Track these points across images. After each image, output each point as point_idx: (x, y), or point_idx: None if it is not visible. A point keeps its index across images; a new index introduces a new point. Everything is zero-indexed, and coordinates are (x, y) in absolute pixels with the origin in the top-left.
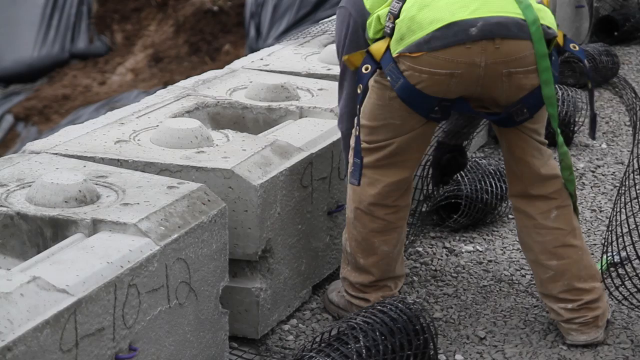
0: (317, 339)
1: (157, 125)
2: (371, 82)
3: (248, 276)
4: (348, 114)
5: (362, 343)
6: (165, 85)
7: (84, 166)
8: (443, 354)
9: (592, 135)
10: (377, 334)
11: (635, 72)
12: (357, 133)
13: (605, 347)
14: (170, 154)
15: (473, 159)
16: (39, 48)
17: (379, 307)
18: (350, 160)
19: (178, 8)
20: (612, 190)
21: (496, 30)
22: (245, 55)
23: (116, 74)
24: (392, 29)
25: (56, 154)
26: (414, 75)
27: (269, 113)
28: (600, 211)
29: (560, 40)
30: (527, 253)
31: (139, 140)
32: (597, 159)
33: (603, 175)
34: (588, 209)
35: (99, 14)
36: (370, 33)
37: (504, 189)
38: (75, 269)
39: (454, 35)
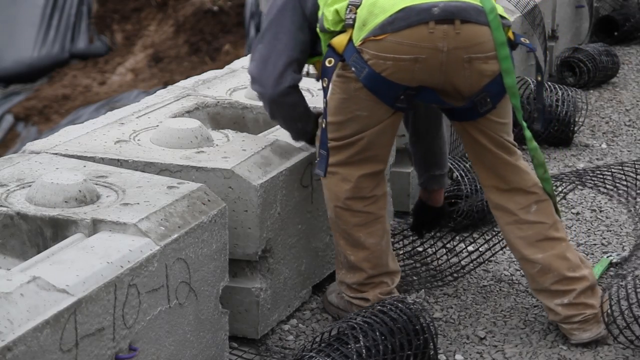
0: (317, 339)
1: (157, 125)
2: (333, 78)
3: (248, 276)
4: (274, 58)
5: (362, 343)
6: (165, 85)
7: (84, 166)
8: (443, 354)
9: (540, 126)
10: (377, 334)
11: (635, 72)
12: (323, 125)
13: (605, 347)
14: (170, 154)
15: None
16: (39, 48)
17: (379, 307)
18: (317, 152)
19: (178, 8)
20: (612, 190)
21: (457, 13)
22: (245, 55)
23: (116, 74)
24: (354, 20)
25: (56, 154)
26: (378, 63)
27: None
28: (600, 211)
29: (510, 34)
30: (513, 252)
31: (139, 140)
32: (597, 159)
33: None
34: (588, 209)
35: (99, 14)
36: (328, 24)
37: None
38: (75, 269)
39: (417, 14)
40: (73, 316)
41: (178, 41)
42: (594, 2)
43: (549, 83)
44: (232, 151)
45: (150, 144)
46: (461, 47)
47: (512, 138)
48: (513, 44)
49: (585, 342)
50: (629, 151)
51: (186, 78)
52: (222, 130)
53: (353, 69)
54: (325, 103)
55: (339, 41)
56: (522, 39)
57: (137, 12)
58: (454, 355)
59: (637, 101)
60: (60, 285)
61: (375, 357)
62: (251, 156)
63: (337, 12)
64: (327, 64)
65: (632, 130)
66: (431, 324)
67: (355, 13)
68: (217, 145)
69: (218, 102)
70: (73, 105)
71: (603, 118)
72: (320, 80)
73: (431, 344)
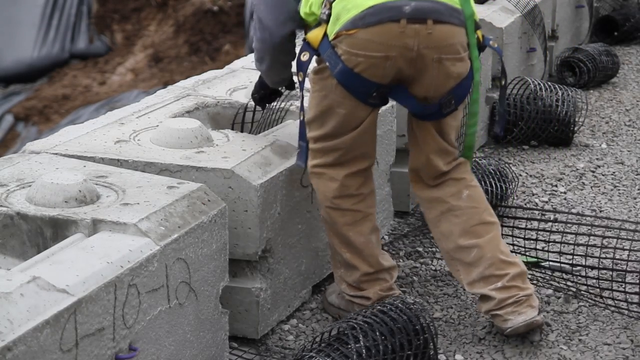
0: (317, 339)
1: (157, 125)
2: (311, 75)
3: (248, 276)
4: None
5: (362, 343)
6: (165, 85)
7: (84, 166)
8: (443, 354)
9: (499, 130)
10: (377, 334)
11: (635, 72)
12: (301, 117)
13: (605, 347)
14: (170, 154)
15: (473, 159)
16: (39, 48)
17: (379, 307)
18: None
19: (178, 8)
20: (612, 190)
21: (428, 12)
22: (245, 55)
23: (116, 74)
24: (329, 15)
25: (56, 154)
26: (350, 58)
27: (269, 113)
28: (600, 211)
29: (480, 36)
30: (447, 243)
31: (139, 140)
32: (597, 159)
33: (603, 175)
34: (588, 209)
35: (99, 14)
36: (301, 11)
37: (504, 189)
38: (75, 269)
39: (388, 11)
40: (73, 316)
41: (178, 41)
42: (594, 2)
43: (549, 83)
44: (232, 151)
45: (150, 144)
46: (432, 47)
47: (455, 139)
48: (481, 46)
49: (522, 332)
50: (629, 151)
51: (186, 78)
52: (222, 130)
53: (327, 64)
54: (302, 97)
55: (314, 36)
56: (490, 42)
57: (137, 12)
58: (454, 355)
59: (637, 101)
60: (60, 285)
61: (375, 357)
62: (251, 156)
63: (310, 6)
64: (301, 57)
65: (632, 130)
66: (431, 324)
67: (330, 8)
68: (217, 145)
69: (218, 102)
70: (73, 105)
71: (603, 118)
72: (296, 75)
73: (431, 344)
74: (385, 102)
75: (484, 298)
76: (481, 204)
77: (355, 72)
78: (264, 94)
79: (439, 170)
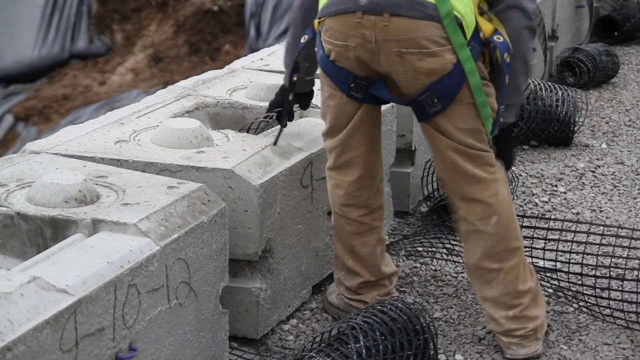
0: (317, 339)
1: (157, 125)
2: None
3: (248, 276)
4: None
5: (362, 343)
6: (165, 85)
7: (84, 166)
8: (443, 354)
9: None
10: (377, 334)
11: (635, 72)
12: (290, 98)
13: (605, 347)
14: (170, 154)
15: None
16: (39, 48)
17: (379, 307)
18: None
19: (178, 8)
20: (612, 190)
21: (385, 6)
22: (245, 55)
23: (116, 74)
24: None
25: (56, 154)
26: (326, 46)
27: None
28: (601, 211)
29: (487, 31)
30: (468, 258)
31: (139, 140)
32: (597, 159)
33: (603, 175)
34: (588, 209)
35: (99, 14)
36: None
37: None
38: (75, 269)
39: (345, 2)
40: (73, 316)
41: (178, 41)
42: (594, 2)
43: (549, 83)
44: (232, 151)
45: (150, 144)
46: (390, 40)
47: (480, 143)
48: (484, 42)
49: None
50: (629, 151)
51: (186, 78)
52: (222, 130)
53: (316, 49)
54: (293, 82)
55: (316, 20)
56: (495, 37)
57: (137, 12)
58: (454, 355)
59: (637, 101)
60: (60, 285)
61: (375, 357)
62: (251, 156)
63: None
64: (301, 39)
65: (632, 130)
66: (431, 324)
67: None
68: (217, 145)
69: (218, 102)
70: (73, 105)
71: (603, 118)
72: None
73: (431, 344)
74: (371, 99)
75: (493, 319)
76: (509, 229)
77: (331, 60)
78: (278, 103)
79: (459, 171)
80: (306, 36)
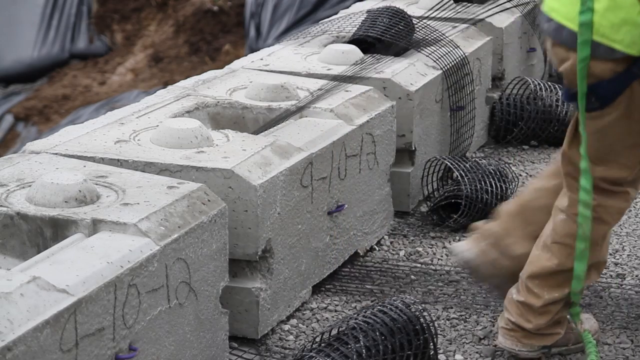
0: (317, 339)
1: (157, 125)
2: None
3: (248, 276)
4: None
5: (362, 343)
6: (165, 85)
7: (84, 166)
8: (443, 354)
9: None
10: (377, 334)
11: None
12: None
13: (606, 347)
14: (170, 154)
15: (473, 159)
16: (39, 48)
17: (379, 307)
18: None
19: (178, 8)
20: None
21: None
22: (245, 55)
23: (116, 74)
24: None
25: (56, 154)
26: None
27: (269, 113)
28: None
29: None
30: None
31: (139, 140)
32: None
33: None
34: None
35: (99, 14)
36: None
37: (504, 189)
38: (75, 269)
39: None
40: (73, 316)
41: (178, 41)
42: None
43: (549, 83)
44: (232, 151)
45: (150, 144)
46: None
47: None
48: None
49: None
50: None
51: (186, 78)
52: (222, 130)
53: None
54: None
55: None
56: None
57: (137, 12)
58: (454, 355)
59: None
60: (60, 285)
61: (375, 357)
62: (251, 156)
63: None
64: None
65: None
66: (431, 324)
67: None
68: (217, 145)
69: (218, 102)
70: (73, 105)
71: None
72: None
73: (431, 344)
74: None
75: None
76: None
77: None
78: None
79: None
80: None
